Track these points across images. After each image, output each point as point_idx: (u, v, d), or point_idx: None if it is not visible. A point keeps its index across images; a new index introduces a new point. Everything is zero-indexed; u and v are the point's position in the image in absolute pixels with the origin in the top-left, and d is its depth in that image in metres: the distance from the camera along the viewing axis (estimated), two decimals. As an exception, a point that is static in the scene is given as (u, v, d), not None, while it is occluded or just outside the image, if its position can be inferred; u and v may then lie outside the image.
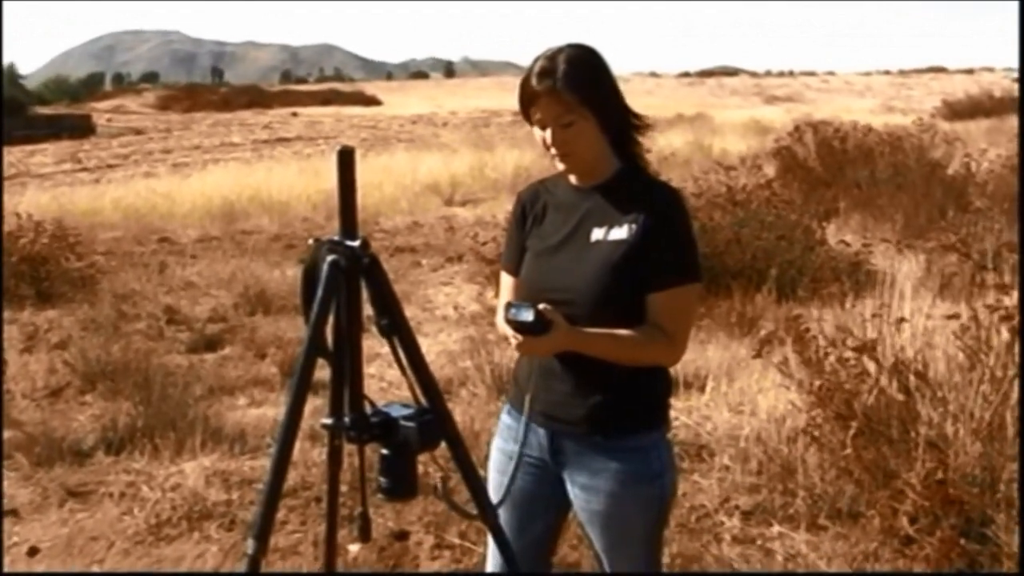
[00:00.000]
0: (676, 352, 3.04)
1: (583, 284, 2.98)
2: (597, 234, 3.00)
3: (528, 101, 2.99)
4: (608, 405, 3.02)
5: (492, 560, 3.37)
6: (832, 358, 5.23)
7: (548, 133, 2.98)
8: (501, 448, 3.33)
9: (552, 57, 2.94)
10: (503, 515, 3.14)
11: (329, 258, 2.62)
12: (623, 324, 2.94)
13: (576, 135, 2.96)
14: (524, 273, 3.18)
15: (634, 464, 3.04)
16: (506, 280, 3.31)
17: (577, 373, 3.03)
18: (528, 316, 2.86)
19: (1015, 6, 12.16)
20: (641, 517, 3.09)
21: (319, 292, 2.61)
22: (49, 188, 23.92)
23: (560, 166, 3.07)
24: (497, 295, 9.03)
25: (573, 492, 3.15)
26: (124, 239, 15.49)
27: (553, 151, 3.01)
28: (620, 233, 2.95)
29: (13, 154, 38.15)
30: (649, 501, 3.07)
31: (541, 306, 2.86)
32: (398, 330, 2.70)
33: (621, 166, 3.07)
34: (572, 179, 3.12)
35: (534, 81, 2.94)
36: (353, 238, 2.62)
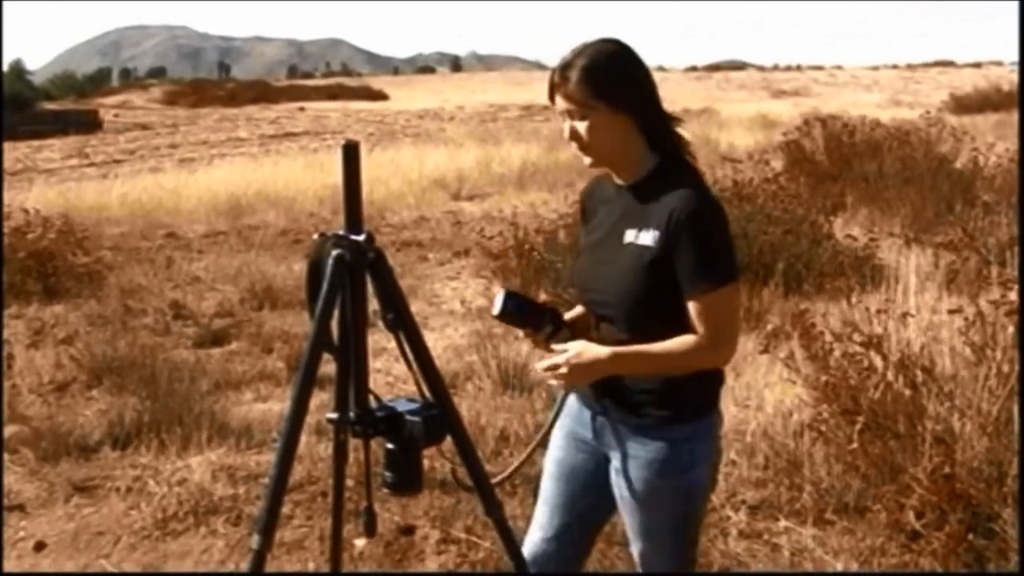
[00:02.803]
0: (721, 354, 3.03)
1: (616, 286, 3.02)
2: (630, 235, 3.00)
3: (551, 93, 3.02)
4: (645, 392, 3.05)
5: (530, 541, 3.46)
6: (838, 353, 5.23)
7: (567, 126, 3.01)
8: (560, 426, 3.38)
9: (578, 51, 2.97)
10: (552, 488, 3.35)
11: (334, 252, 2.62)
12: (659, 326, 2.96)
13: (591, 129, 2.96)
14: (574, 268, 3.29)
15: (663, 454, 3.05)
16: None
17: None
18: (496, 305, 3.03)
19: (1015, 5, 12.16)
20: (667, 508, 3.12)
21: (324, 287, 2.61)
22: (56, 183, 23.95)
23: (585, 161, 3.08)
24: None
25: (611, 474, 3.19)
26: (131, 234, 15.49)
27: (573, 145, 3.03)
28: (647, 238, 2.95)
29: (20, 149, 38.22)
30: (675, 493, 3.09)
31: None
32: (404, 325, 2.70)
33: (657, 163, 3.05)
34: (615, 176, 3.12)
35: (555, 74, 2.98)
36: (358, 232, 2.62)
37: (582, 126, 2.97)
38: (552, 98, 3.03)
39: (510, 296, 3.06)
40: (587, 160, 3.07)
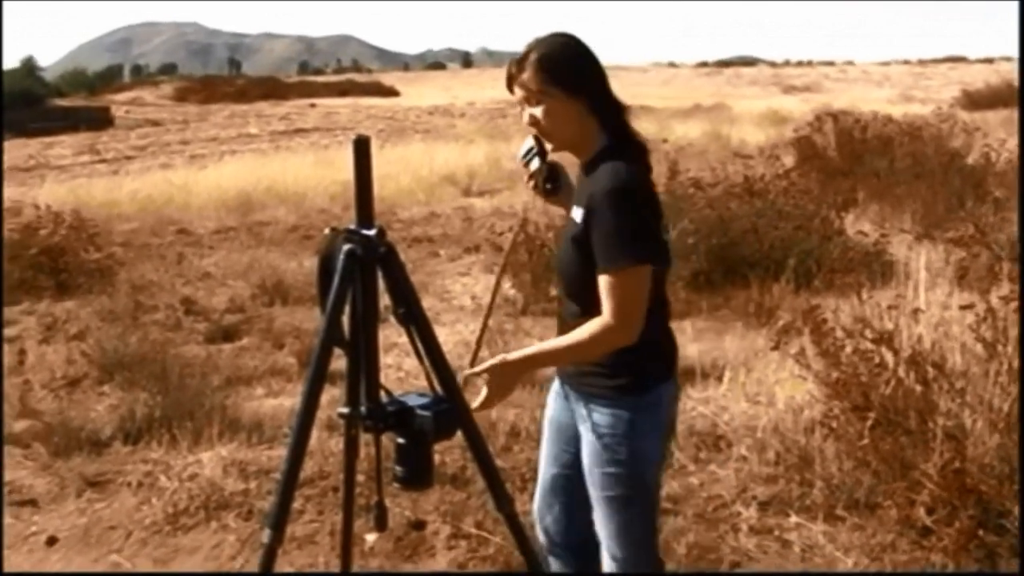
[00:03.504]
0: (623, 333, 3.07)
1: (558, 256, 3.31)
2: (573, 212, 3.22)
3: (509, 85, 3.23)
4: (595, 364, 3.20)
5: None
6: (849, 349, 5.22)
7: (526, 113, 3.23)
8: (554, 387, 3.57)
9: (532, 44, 3.19)
10: (544, 442, 3.61)
11: (345, 247, 2.62)
12: (589, 294, 3.10)
13: (548, 114, 3.16)
14: None
15: (609, 423, 3.19)
16: None
17: None
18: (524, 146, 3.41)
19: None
20: (613, 477, 3.21)
21: (335, 281, 2.62)
22: (67, 180, 23.99)
23: (547, 146, 3.31)
24: (513, 284, 8.99)
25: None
26: (141, 230, 15.51)
27: (534, 129, 3.24)
28: (578, 215, 3.14)
29: (32, 146, 38.29)
30: (620, 462, 3.20)
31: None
32: (415, 319, 2.71)
33: (605, 145, 3.22)
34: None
35: (512, 66, 3.20)
36: (369, 227, 2.63)
37: (539, 111, 3.16)
38: (511, 89, 3.22)
39: (537, 139, 3.33)
40: (548, 143, 3.30)
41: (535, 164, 3.37)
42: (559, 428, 3.52)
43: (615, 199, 3.03)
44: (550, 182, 3.39)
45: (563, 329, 3.25)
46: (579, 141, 3.23)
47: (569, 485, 3.52)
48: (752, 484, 5.40)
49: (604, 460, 3.19)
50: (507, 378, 3.10)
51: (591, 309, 3.08)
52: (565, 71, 3.13)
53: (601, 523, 3.31)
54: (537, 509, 3.60)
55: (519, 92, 3.18)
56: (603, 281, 3.03)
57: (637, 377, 3.18)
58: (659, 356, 3.27)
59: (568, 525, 3.54)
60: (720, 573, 4.68)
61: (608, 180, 3.07)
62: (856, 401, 5.04)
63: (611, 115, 3.22)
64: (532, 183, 3.39)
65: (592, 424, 3.20)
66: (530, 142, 3.34)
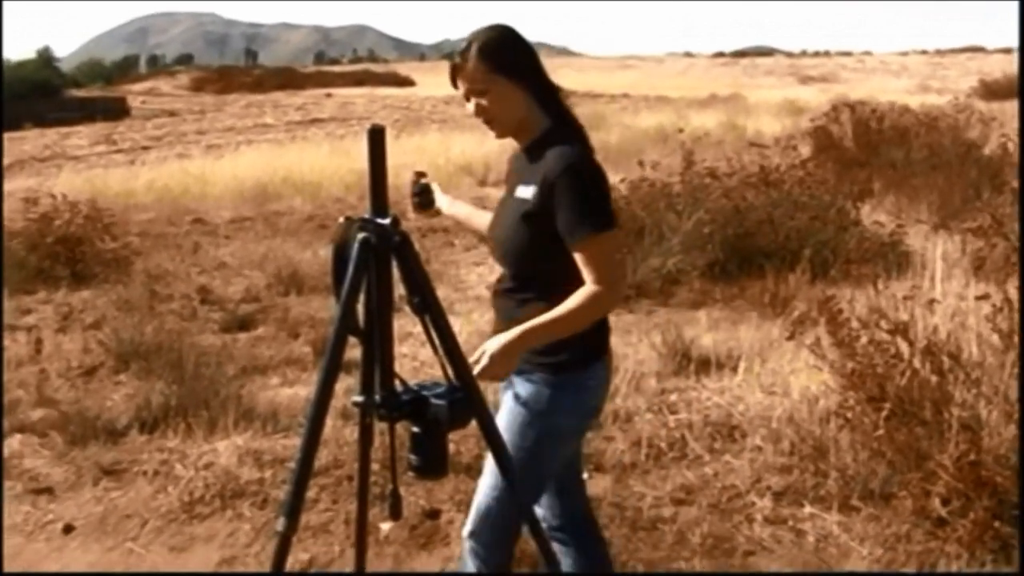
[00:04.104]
0: (611, 295, 3.24)
1: (502, 235, 3.37)
2: (519, 190, 3.33)
3: (453, 78, 3.34)
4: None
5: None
6: (865, 339, 5.21)
7: (472, 103, 3.33)
8: None
9: (471, 37, 3.29)
10: None
11: (360, 236, 2.63)
12: (535, 270, 3.30)
13: (492, 102, 3.28)
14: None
15: (531, 396, 3.29)
16: None
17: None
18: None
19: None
20: (521, 443, 3.25)
21: (350, 270, 2.62)
22: (84, 170, 24.06)
23: (492, 133, 3.42)
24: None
25: None
26: (158, 220, 15.54)
27: (480, 118, 3.35)
28: (527, 192, 3.26)
29: (48, 136, 38.41)
30: (530, 434, 3.29)
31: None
32: (429, 309, 2.71)
33: (548, 126, 3.35)
34: (517, 142, 3.45)
35: (456, 57, 3.30)
36: (384, 216, 2.63)
37: (485, 100, 3.28)
38: (455, 83, 3.34)
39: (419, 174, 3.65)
40: (493, 132, 3.40)
41: (414, 189, 3.66)
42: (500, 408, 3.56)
43: (579, 174, 3.18)
44: (423, 197, 3.64)
45: (501, 305, 3.44)
46: (522, 125, 3.36)
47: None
48: (767, 474, 5.40)
49: (516, 429, 3.26)
50: (511, 358, 3.10)
51: (523, 277, 3.33)
52: (506, 58, 3.27)
53: (487, 475, 3.39)
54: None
55: (463, 85, 3.30)
56: (583, 250, 3.16)
57: (571, 356, 3.27)
58: (593, 336, 3.31)
59: (557, 504, 3.64)
60: (723, 574, 4.66)
61: (567, 159, 3.20)
62: (871, 392, 5.03)
63: (550, 98, 3.36)
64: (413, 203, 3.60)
65: (515, 393, 3.30)
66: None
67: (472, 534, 3.43)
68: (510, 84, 3.26)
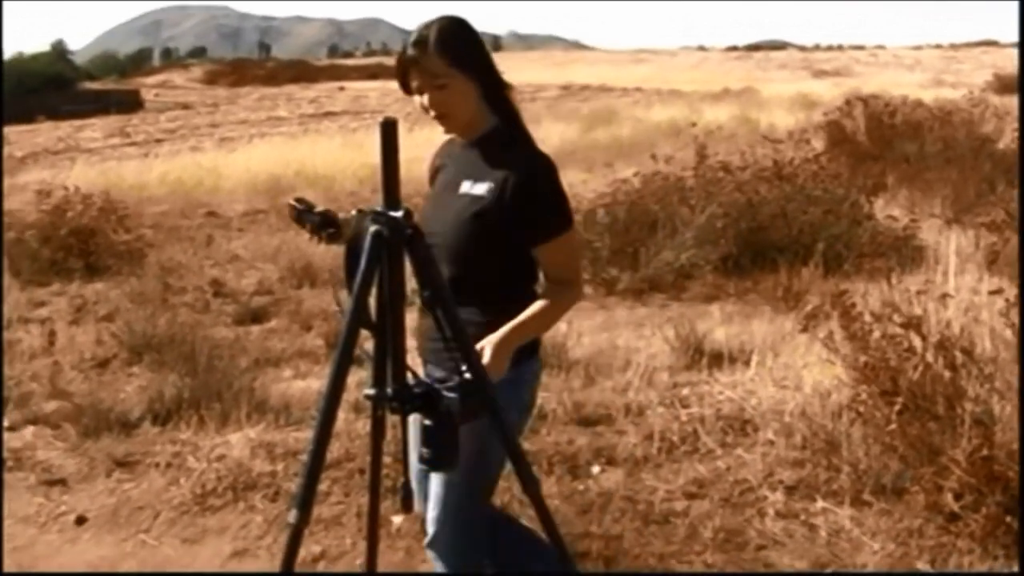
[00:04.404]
0: (578, 291, 3.39)
1: (446, 229, 3.24)
2: (465, 186, 3.28)
3: (404, 71, 3.25)
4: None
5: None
6: (878, 334, 5.20)
7: (425, 98, 3.24)
8: None
9: (425, 28, 3.21)
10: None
11: (372, 229, 2.63)
12: (483, 267, 3.25)
13: (449, 96, 3.22)
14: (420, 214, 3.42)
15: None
16: None
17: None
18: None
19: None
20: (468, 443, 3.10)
21: (362, 263, 2.62)
22: (97, 162, 24.08)
23: (441, 128, 3.35)
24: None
25: None
26: (171, 213, 15.58)
27: (432, 113, 3.25)
28: (481, 189, 3.22)
29: (62, 129, 38.48)
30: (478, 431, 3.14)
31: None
32: (440, 302, 2.70)
33: (496, 123, 3.33)
34: (458, 136, 3.41)
35: (409, 50, 3.20)
36: (396, 209, 2.63)
37: (440, 96, 3.21)
38: (405, 78, 3.27)
39: (298, 200, 3.31)
40: (444, 127, 3.35)
41: (307, 218, 3.33)
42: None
43: (548, 174, 3.22)
44: (330, 228, 3.31)
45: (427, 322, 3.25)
46: (472, 120, 3.31)
47: None
48: (779, 468, 5.39)
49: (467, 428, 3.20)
50: (507, 356, 3.10)
51: (464, 271, 3.22)
52: (464, 51, 3.23)
53: (438, 486, 3.33)
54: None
55: (418, 79, 3.22)
56: (558, 247, 3.23)
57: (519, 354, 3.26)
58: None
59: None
60: (728, 574, 4.65)
61: (540, 157, 3.26)
62: (884, 386, 5.02)
63: (499, 93, 3.33)
64: (315, 238, 3.32)
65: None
66: (297, 207, 3.34)
67: (433, 543, 3.44)
68: (465, 78, 3.22)
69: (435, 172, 3.55)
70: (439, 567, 3.47)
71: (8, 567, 4.94)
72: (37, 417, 6.60)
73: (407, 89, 3.28)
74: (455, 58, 3.18)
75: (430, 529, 3.40)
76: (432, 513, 3.35)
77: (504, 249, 3.21)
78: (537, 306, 3.19)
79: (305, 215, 3.27)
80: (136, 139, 33.93)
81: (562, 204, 3.25)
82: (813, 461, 5.37)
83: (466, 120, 3.31)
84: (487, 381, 2.80)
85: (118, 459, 5.95)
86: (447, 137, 3.50)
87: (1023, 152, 10.59)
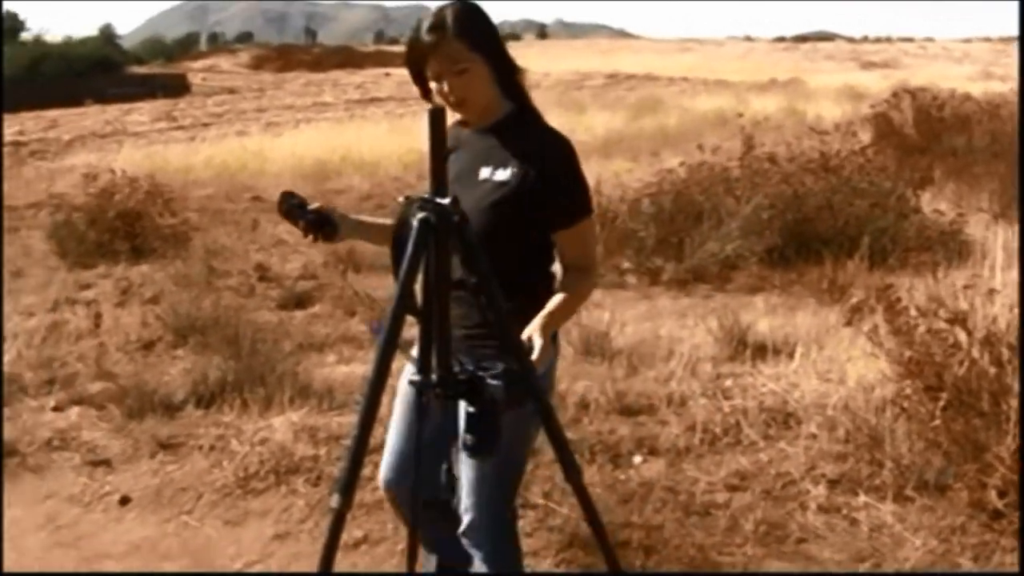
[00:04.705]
0: (596, 278, 3.43)
1: (471, 216, 3.01)
2: (484, 173, 3.24)
3: (421, 57, 3.20)
4: (478, 327, 3.14)
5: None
6: (923, 328, 5.17)
7: (444, 84, 3.19)
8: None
9: (440, 13, 3.17)
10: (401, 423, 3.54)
11: (419, 216, 2.63)
12: (506, 253, 3.14)
13: (469, 81, 3.18)
14: None
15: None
16: None
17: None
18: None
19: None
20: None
21: (408, 250, 2.62)
22: (144, 146, 24.22)
23: (457, 115, 3.33)
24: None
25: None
26: (217, 196, 15.65)
27: (452, 99, 3.20)
28: (504, 175, 3.19)
29: (109, 112, 38.68)
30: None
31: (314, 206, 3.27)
32: (486, 289, 2.70)
33: (511, 108, 3.32)
34: (471, 121, 3.35)
35: (426, 37, 3.15)
36: (443, 196, 2.63)
37: (461, 81, 3.17)
38: (419, 65, 3.22)
39: (289, 195, 3.28)
40: (462, 114, 3.32)
41: (300, 215, 3.30)
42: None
43: (572, 158, 3.23)
44: (327, 226, 3.30)
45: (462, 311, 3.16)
46: (489, 105, 3.29)
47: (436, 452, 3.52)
48: (821, 462, 5.36)
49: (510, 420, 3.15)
50: (547, 348, 3.05)
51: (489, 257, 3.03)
52: (482, 35, 3.21)
53: (473, 475, 3.29)
54: (397, 480, 3.48)
55: (437, 64, 3.17)
56: (581, 232, 3.26)
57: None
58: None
59: (432, 488, 3.54)
60: (727, 574, 4.62)
61: (564, 142, 3.26)
62: (929, 381, 5.00)
63: (512, 78, 3.31)
64: (310, 237, 3.30)
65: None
66: (288, 201, 3.30)
67: (468, 532, 3.43)
68: (483, 62, 3.19)
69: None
70: (475, 555, 3.48)
71: (53, 545, 4.99)
72: (83, 398, 6.65)
73: (420, 76, 3.26)
74: (474, 42, 3.16)
75: (465, 518, 3.40)
76: (467, 501, 3.34)
77: (526, 234, 3.22)
78: (562, 295, 3.17)
79: (297, 211, 3.25)
80: (183, 123, 34.06)
81: (585, 189, 3.27)
82: (856, 455, 5.34)
83: (484, 105, 3.28)
84: (532, 369, 2.80)
85: (162, 441, 5.99)
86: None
87: (1022, 151, 10.47)
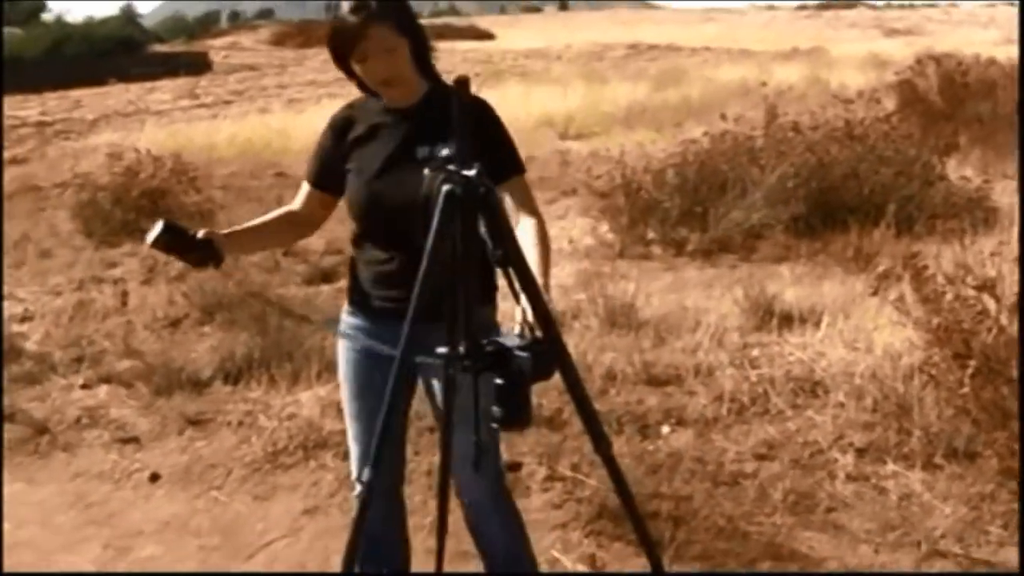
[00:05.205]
0: (544, 221, 3.40)
1: (418, 200, 2.93)
2: (422, 152, 3.26)
3: (348, 39, 3.22)
4: None
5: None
6: (951, 296, 5.14)
7: (369, 66, 3.25)
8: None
9: None
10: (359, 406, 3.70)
11: (445, 188, 2.62)
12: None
13: (398, 60, 3.24)
14: (350, 194, 3.49)
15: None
16: (304, 189, 3.76)
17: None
18: (149, 236, 3.22)
19: None
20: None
21: (434, 222, 2.62)
22: (167, 124, 24.26)
23: (389, 94, 3.35)
24: (610, 228, 8.90)
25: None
26: (240, 174, 15.67)
27: (379, 79, 3.28)
28: (447, 150, 3.05)
29: (132, 91, 38.77)
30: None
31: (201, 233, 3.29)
32: (513, 260, 2.70)
33: (429, 86, 3.38)
34: (384, 102, 3.37)
35: (351, 18, 3.19)
36: (469, 167, 2.62)
37: (390, 60, 3.22)
38: (346, 48, 3.25)
39: (167, 228, 3.24)
40: (389, 94, 3.34)
41: (187, 248, 3.29)
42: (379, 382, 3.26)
43: (499, 118, 3.33)
44: (215, 256, 3.33)
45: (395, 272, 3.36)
46: (412, 84, 3.34)
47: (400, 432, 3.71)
48: (849, 431, 5.35)
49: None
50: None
51: None
52: (406, 16, 3.27)
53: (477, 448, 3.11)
54: (372, 467, 3.00)
55: (365, 45, 3.19)
56: (520, 187, 3.36)
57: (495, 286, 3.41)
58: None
59: (398, 471, 3.75)
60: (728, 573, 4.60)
61: (483, 106, 3.29)
62: (957, 348, 4.97)
63: (428, 53, 3.38)
64: (175, 255, 3.34)
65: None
66: (167, 235, 3.24)
67: (486, 500, 3.57)
68: (406, 42, 3.24)
69: (342, 137, 3.50)
70: (489, 524, 3.62)
71: (85, 522, 5.03)
72: (111, 376, 6.70)
73: (344, 60, 3.30)
74: (398, 22, 3.21)
75: (474, 490, 3.54)
76: (473, 474, 3.25)
77: None
78: (536, 250, 3.17)
79: (180, 243, 3.27)
80: (205, 101, 34.12)
81: (514, 146, 3.38)
82: (884, 424, 5.32)
83: (407, 83, 3.32)
84: (560, 340, 2.80)
85: (190, 417, 6.03)
86: (339, 108, 3.60)
87: (1022, 144, 10.39)
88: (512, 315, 2.87)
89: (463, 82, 2.62)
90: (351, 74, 3.34)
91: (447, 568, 3.57)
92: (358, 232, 3.59)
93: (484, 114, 3.29)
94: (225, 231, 3.45)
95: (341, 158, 3.48)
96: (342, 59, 3.30)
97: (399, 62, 3.24)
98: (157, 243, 3.18)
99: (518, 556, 3.67)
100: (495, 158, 3.14)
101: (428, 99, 3.35)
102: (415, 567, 3.97)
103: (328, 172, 3.56)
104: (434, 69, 3.40)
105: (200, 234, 3.25)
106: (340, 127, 3.52)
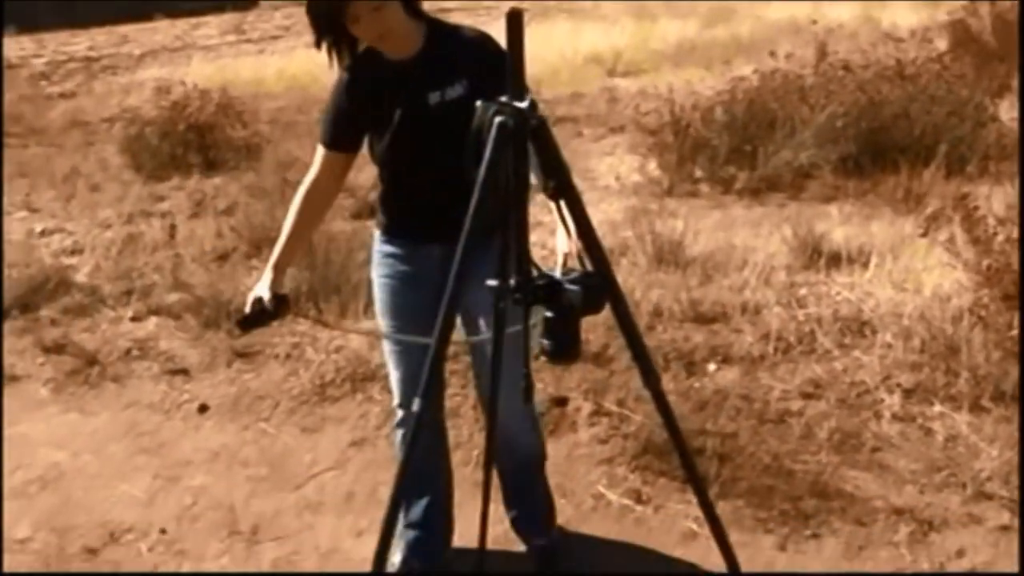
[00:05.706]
0: None
1: (447, 150, 3.03)
2: (434, 98, 3.36)
3: (336, 5, 3.23)
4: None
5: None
6: (1001, 237, 5.10)
7: (363, 24, 3.27)
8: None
9: None
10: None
11: (497, 120, 2.61)
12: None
13: (388, 15, 3.27)
14: (374, 150, 3.54)
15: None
16: (320, 153, 3.64)
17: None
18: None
19: None
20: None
21: (486, 154, 2.61)
22: (214, 59, 24.24)
23: (386, 50, 3.40)
24: (658, 165, 8.80)
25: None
26: (288, 108, 15.65)
27: (372, 35, 3.34)
28: (457, 90, 3.33)
29: (178, 27, 38.74)
30: None
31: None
32: (565, 192, 2.69)
33: (425, 29, 3.43)
34: (387, 55, 3.40)
35: None
36: (521, 99, 2.61)
37: (379, 16, 3.25)
38: (336, 11, 3.25)
39: (245, 320, 3.61)
40: (385, 48, 3.39)
41: (269, 316, 3.59)
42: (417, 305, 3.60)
43: (498, 43, 3.12)
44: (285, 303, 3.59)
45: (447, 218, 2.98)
46: (408, 34, 3.38)
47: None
48: (896, 371, 5.33)
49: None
50: None
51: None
52: None
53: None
54: (422, 396, 2.92)
55: (352, 10, 3.22)
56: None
57: None
58: None
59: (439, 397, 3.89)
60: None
61: (480, 35, 3.45)
62: (1007, 290, 4.94)
63: (417, 2, 3.42)
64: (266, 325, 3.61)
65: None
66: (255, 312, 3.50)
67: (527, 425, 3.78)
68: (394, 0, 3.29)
69: (357, 97, 3.52)
70: (522, 444, 3.79)
71: (136, 451, 5.09)
72: (160, 308, 6.76)
73: (331, 30, 3.36)
74: None
75: (514, 420, 3.63)
76: (515, 405, 3.28)
77: None
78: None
79: (262, 316, 3.56)
80: (252, 36, 34.05)
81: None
82: (931, 365, 5.30)
83: (403, 35, 3.37)
84: (611, 274, 2.79)
85: (238, 350, 6.07)
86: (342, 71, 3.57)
87: (1022, 139, 10.26)
88: (554, 248, 2.87)
89: (516, 14, 2.60)
90: (338, 38, 3.39)
91: (491, 505, 3.58)
92: (384, 176, 3.69)
93: (487, 46, 3.38)
94: (276, 261, 3.87)
95: (355, 118, 3.54)
96: (333, 24, 3.32)
97: (388, 16, 3.28)
98: (246, 329, 3.50)
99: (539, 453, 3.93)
100: (500, 89, 3.10)
101: (427, 44, 3.41)
102: (461, 499, 4.00)
103: (344, 134, 3.59)
104: (421, 9, 3.45)
105: (267, 300, 3.55)
106: (348, 87, 3.54)
